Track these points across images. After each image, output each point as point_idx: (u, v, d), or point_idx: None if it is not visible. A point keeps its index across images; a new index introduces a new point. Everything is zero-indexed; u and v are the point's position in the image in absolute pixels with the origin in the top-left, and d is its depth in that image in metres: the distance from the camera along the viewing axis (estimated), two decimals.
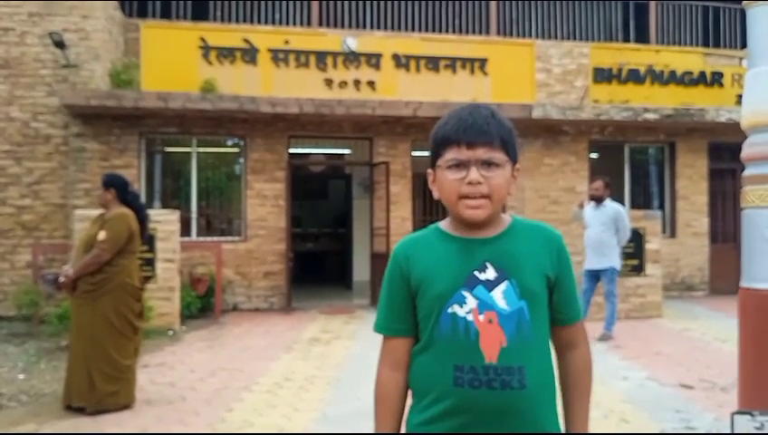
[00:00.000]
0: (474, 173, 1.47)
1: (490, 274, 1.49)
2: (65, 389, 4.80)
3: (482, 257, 1.51)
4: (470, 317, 1.46)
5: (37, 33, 9.58)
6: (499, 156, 1.49)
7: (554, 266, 1.55)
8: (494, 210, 1.52)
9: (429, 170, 1.60)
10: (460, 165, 1.49)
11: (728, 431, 2.36)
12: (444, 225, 1.61)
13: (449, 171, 1.50)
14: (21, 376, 5.89)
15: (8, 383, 5.64)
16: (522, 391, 1.44)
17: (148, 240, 7.44)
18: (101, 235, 4.71)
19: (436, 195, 1.59)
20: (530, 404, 1.45)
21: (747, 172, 2.96)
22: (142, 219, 5.03)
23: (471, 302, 1.47)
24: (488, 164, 1.48)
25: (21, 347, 7.21)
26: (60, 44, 9.29)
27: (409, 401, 1.60)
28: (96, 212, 5.74)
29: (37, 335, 7.72)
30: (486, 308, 1.46)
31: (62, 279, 4.79)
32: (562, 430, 1.58)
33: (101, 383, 4.65)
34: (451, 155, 1.50)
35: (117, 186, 4.97)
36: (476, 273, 1.49)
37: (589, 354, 1.64)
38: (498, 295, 1.47)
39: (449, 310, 1.48)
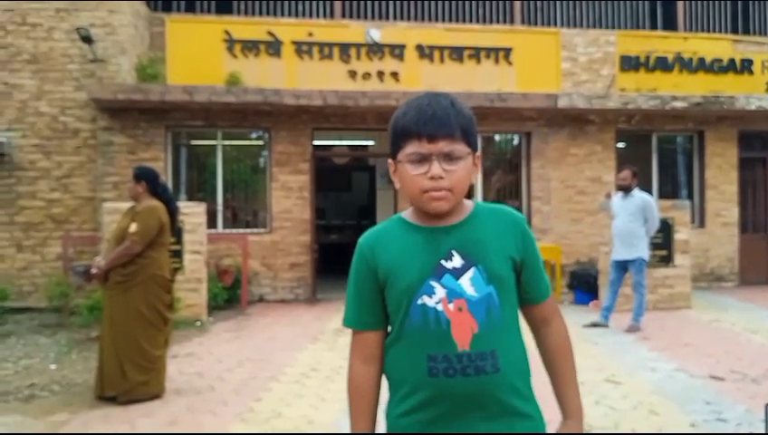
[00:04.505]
0: (435, 168, 1.45)
1: (456, 262, 1.49)
2: (97, 378, 4.87)
3: (447, 246, 1.50)
4: (440, 307, 1.46)
5: (64, 29, 9.70)
6: (460, 148, 1.47)
7: (519, 248, 1.55)
8: (457, 201, 1.52)
9: (390, 161, 1.58)
10: (422, 159, 1.47)
11: (761, 422, 2.33)
12: (407, 215, 1.60)
13: (410, 165, 1.48)
14: (53, 366, 6.00)
15: (40, 373, 5.74)
16: (496, 374, 1.45)
17: (177, 232, 7.51)
18: (133, 227, 4.77)
19: (397, 186, 1.57)
20: (505, 387, 1.47)
21: None
22: (172, 211, 5.08)
23: (440, 291, 1.47)
24: (450, 157, 1.46)
25: (52, 338, 7.34)
26: (87, 39, 9.40)
27: (385, 394, 1.60)
28: (125, 205, 5.81)
29: (68, 326, 7.85)
30: (455, 296, 1.46)
31: (94, 271, 4.86)
32: (539, 406, 1.57)
33: (133, 373, 4.72)
34: (412, 149, 1.48)
35: (147, 178, 5.02)
36: (443, 262, 1.49)
37: (564, 327, 1.64)
38: (466, 283, 1.47)
39: (419, 301, 1.48)
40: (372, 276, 1.56)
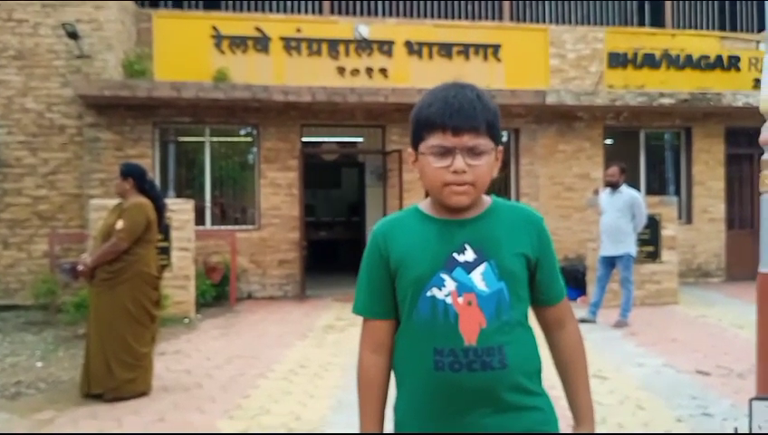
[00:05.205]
0: (459, 162, 1.43)
1: (469, 255, 1.48)
2: (83, 376, 4.85)
3: (461, 239, 1.49)
4: (449, 300, 1.45)
5: (50, 24, 9.61)
6: (484, 142, 1.45)
7: (534, 248, 1.53)
8: (478, 196, 1.50)
9: (410, 150, 1.55)
10: (445, 152, 1.45)
11: (746, 417, 2.35)
12: (423, 205, 1.59)
13: (433, 158, 1.46)
14: (39, 364, 5.97)
15: (27, 371, 5.71)
16: (503, 370, 1.43)
17: (164, 229, 7.48)
18: (119, 224, 4.75)
19: (418, 176, 1.55)
20: (512, 383, 1.45)
21: (766, 156, 2.93)
22: (159, 208, 5.06)
23: (450, 284, 1.46)
24: (473, 152, 1.44)
25: (38, 335, 7.29)
26: (73, 35, 9.32)
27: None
28: (112, 201, 5.77)
29: (54, 324, 7.81)
30: (465, 290, 1.45)
31: (80, 268, 4.84)
32: (551, 401, 1.56)
33: (119, 371, 4.70)
34: (435, 141, 1.45)
35: (135, 175, 5.00)
36: (455, 255, 1.48)
37: (578, 331, 1.64)
38: (477, 277, 1.46)
39: (428, 293, 1.46)
40: (384, 264, 1.54)
